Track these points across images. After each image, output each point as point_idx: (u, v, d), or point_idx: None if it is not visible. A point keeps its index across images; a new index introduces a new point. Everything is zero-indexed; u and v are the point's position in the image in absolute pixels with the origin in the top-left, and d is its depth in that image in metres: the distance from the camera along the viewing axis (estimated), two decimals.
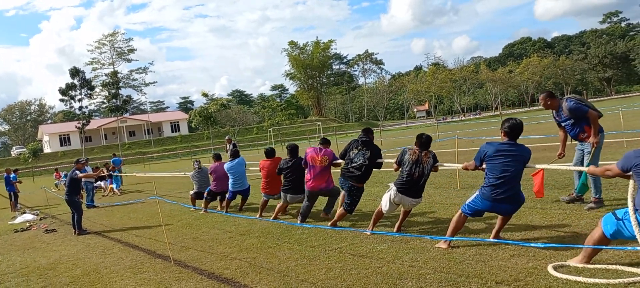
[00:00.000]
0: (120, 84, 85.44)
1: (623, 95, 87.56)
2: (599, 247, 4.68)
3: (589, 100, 7.57)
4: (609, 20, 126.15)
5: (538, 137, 16.41)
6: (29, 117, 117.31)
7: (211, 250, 7.74)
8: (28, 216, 15.44)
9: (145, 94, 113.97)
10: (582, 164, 7.31)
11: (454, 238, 5.99)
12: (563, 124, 7.51)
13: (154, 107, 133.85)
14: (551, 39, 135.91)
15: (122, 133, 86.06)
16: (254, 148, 54.96)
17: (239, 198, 11.45)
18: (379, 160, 7.88)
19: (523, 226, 6.69)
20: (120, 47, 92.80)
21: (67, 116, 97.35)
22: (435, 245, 6.17)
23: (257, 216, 10.01)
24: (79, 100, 67.80)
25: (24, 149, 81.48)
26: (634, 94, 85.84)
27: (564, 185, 9.18)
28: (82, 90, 67.37)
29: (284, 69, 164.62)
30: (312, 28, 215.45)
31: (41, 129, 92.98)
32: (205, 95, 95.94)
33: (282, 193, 9.35)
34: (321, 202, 9.33)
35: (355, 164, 7.77)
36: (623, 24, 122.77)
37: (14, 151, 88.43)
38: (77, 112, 69.30)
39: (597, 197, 7.19)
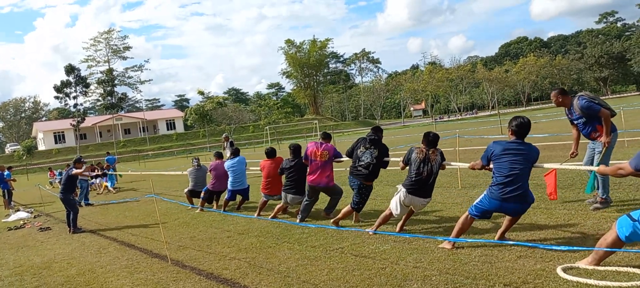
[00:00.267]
0: (116, 82, 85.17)
1: (619, 95, 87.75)
2: (612, 250, 4.55)
3: None
4: (605, 20, 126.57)
5: (539, 136, 16.30)
6: (23, 115, 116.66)
7: (209, 250, 7.59)
8: (22, 214, 15.25)
9: (140, 91, 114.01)
10: (593, 163, 7.18)
11: (458, 240, 5.85)
12: (575, 122, 7.35)
13: (150, 105, 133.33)
14: (547, 39, 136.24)
15: (117, 131, 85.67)
16: (250, 147, 54.76)
17: (237, 199, 11.29)
18: (386, 159, 7.74)
19: (528, 226, 6.56)
20: (115, 45, 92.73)
21: (62, 113, 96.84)
22: (439, 246, 6.04)
23: (255, 215, 9.87)
24: (74, 97, 67.49)
25: (18, 146, 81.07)
26: (631, 94, 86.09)
27: (573, 185, 9.03)
28: (78, 88, 67.06)
29: (280, 67, 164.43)
30: (308, 26, 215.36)
31: (35, 126, 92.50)
32: (201, 93, 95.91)
33: (283, 194, 9.19)
34: (323, 201, 9.17)
35: (362, 163, 7.62)
36: (619, 24, 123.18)
37: (8, 148, 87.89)
38: (72, 109, 68.94)
39: (604, 196, 7.06)
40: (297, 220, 8.73)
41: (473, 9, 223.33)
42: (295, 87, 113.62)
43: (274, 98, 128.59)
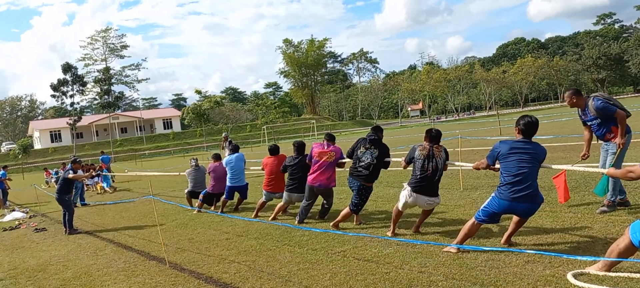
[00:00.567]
0: (113, 80, 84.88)
1: (616, 97, 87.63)
2: (621, 259, 4.41)
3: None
4: (602, 21, 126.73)
5: (539, 138, 16.18)
6: (19, 113, 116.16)
7: (208, 252, 7.44)
8: (17, 214, 15.07)
9: (137, 90, 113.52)
10: (606, 166, 7.06)
11: (464, 247, 5.70)
12: (589, 124, 7.20)
13: (146, 104, 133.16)
14: (545, 40, 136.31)
15: (114, 130, 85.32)
16: (247, 146, 54.53)
17: (236, 198, 11.15)
18: (387, 160, 7.60)
19: (534, 230, 6.43)
20: (112, 44, 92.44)
21: (58, 112, 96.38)
22: (444, 249, 5.91)
23: (253, 216, 9.73)
24: (71, 96, 67.21)
25: (14, 145, 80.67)
26: (628, 96, 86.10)
27: (578, 188, 8.90)
28: (74, 86, 66.76)
29: (278, 66, 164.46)
30: (306, 26, 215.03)
31: (32, 125, 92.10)
32: (198, 92, 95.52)
33: (286, 193, 9.02)
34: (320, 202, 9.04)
35: (363, 163, 7.48)
36: (617, 26, 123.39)
37: (4, 147, 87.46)
38: (69, 108, 68.65)
39: (611, 200, 6.92)
40: (296, 222, 8.60)
41: (470, 10, 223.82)
42: (292, 87, 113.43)
43: (272, 97, 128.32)
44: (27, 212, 15.63)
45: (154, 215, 11.16)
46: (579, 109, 7.22)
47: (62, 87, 65.98)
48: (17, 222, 13.64)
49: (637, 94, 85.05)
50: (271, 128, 67.24)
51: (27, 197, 21.18)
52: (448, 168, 6.93)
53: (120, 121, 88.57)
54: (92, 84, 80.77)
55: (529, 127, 5.65)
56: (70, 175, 11.28)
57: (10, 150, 77.99)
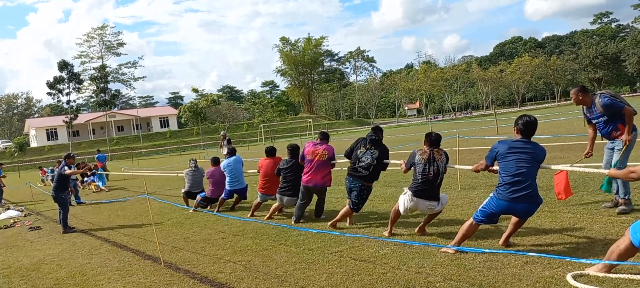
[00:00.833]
0: (109, 78, 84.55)
1: None
2: (621, 262, 4.35)
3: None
4: (599, 21, 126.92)
5: (541, 137, 16.15)
6: (15, 111, 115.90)
7: (203, 252, 7.37)
8: (12, 212, 14.95)
9: (134, 88, 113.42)
10: (611, 165, 6.98)
11: (462, 249, 5.61)
12: (594, 121, 7.09)
13: (143, 102, 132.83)
14: (542, 39, 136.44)
15: (110, 128, 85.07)
16: (244, 145, 54.47)
17: (234, 197, 11.08)
18: (386, 161, 7.52)
19: (533, 230, 6.37)
20: (109, 41, 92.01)
21: (55, 110, 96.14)
22: (441, 250, 5.85)
23: (249, 215, 9.66)
24: (67, 94, 66.92)
25: (10, 143, 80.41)
26: (625, 95, 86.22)
27: (577, 188, 8.84)
28: (70, 84, 66.47)
29: (275, 65, 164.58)
30: (303, 24, 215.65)
31: (28, 123, 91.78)
32: (195, 90, 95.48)
33: (278, 195, 8.98)
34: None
35: (362, 163, 7.39)
36: (613, 25, 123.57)
37: None
38: (65, 106, 68.38)
39: (626, 197, 6.77)
40: (292, 222, 8.54)
41: (467, 8, 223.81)
42: (289, 85, 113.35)
43: (269, 96, 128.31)
44: (22, 211, 15.52)
45: (149, 214, 11.10)
46: (584, 107, 7.14)
47: (58, 85, 65.68)
48: (11, 221, 13.53)
49: (633, 94, 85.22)
50: (268, 127, 67.15)
51: (23, 195, 21.06)
52: (446, 170, 6.85)
53: (116, 119, 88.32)
54: (88, 81, 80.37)
55: (527, 126, 5.58)
56: (67, 171, 11.19)
57: (6, 148, 77.74)
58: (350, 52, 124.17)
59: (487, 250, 5.35)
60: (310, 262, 6.15)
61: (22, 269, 7.74)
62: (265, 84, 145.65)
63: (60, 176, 11.11)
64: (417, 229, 6.94)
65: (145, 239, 8.87)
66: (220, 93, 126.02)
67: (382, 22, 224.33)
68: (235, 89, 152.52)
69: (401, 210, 6.72)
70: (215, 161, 11.34)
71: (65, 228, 10.73)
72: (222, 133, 21.44)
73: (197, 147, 66.13)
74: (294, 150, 8.89)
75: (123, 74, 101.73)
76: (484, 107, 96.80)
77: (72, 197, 15.64)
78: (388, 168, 7.92)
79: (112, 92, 78.24)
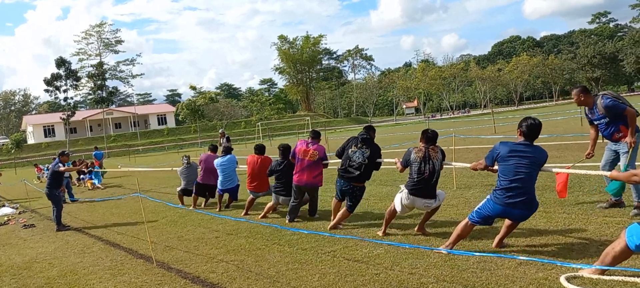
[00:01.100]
0: (107, 75, 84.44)
1: None
2: (614, 268, 4.30)
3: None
4: (597, 20, 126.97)
5: (540, 136, 16.10)
6: (13, 108, 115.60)
7: (196, 251, 7.31)
8: (7, 210, 14.87)
9: (132, 86, 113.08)
10: (612, 165, 6.89)
11: (455, 252, 5.54)
12: (596, 122, 6.99)
13: (141, 100, 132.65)
14: (540, 38, 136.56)
15: (108, 125, 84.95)
16: (242, 143, 54.37)
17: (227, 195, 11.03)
18: (378, 160, 7.44)
19: (527, 232, 6.31)
20: (107, 38, 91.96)
21: (52, 107, 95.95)
22: (435, 250, 5.81)
23: (243, 214, 9.61)
24: (64, 91, 66.80)
25: (7, 140, 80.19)
26: (623, 95, 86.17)
27: (572, 188, 8.79)
28: (68, 81, 66.34)
29: (273, 63, 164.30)
30: (301, 23, 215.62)
31: (25, 120, 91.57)
32: (193, 88, 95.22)
33: (273, 195, 8.94)
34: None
35: (354, 163, 7.28)
36: (611, 25, 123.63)
37: None
38: (62, 103, 68.21)
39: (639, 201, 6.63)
40: (286, 221, 8.49)
41: (466, 8, 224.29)
42: (287, 83, 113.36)
43: (266, 94, 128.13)
44: (16, 208, 15.44)
45: (144, 213, 11.04)
46: (586, 108, 7.04)
47: (55, 82, 65.56)
48: (6, 218, 13.45)
49: (631, 93, 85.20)
50: (266, 125, 67.06)
51: (18, 192, 20.98)
52: (443, 167, 6.77)
53: (114, 116, 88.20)
54: (86, 79, 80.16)
55: (531, 129, 5.42)
56: (61, 169, 11.11)
57: (3, 144, 77.50)
58: (349, 51, 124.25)
59: (479, 254, 5.30)
60: (303, 262, 6.10)
61: (14, 268, 7.67)
62: (263, 81, 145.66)
63: (54, 173, 11.03)
64: (416, 228, 6.85)
65: (139, 238, 8.81)
66: (218, 91, 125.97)
67: (380, 20, 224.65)
68: (234, 86, 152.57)
69: (397, 208, 6.66)
70: (214, 148, 11.26)
71: (59, 226, 10.67)
72: (220, 131, 21.40)
73: (194, 144, 65.96)
74: (285, 150, 8.83)
75: (121, 72, 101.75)
76: (482, 106, 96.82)
77: (66, 195, 15.57)
78: (384, 166, 7.85)
79: (110, 89, 78.10)
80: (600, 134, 7.12)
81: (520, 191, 5.25)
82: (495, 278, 4.79)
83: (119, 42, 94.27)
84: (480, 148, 16.91)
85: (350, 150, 7.38)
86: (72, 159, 24.13)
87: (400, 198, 6.55)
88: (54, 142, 75.94)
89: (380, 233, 7.00)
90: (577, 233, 6.05)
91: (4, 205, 16.04)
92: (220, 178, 10.48)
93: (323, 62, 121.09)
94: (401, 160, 6.73)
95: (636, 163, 6.70)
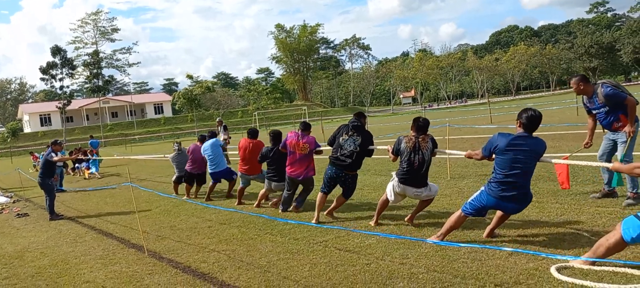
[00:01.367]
0: (103, 64, 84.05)
1: None
2: (607, 260, 4.28)
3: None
4: (595, 10, 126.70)
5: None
6: (9, 96, 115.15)
7: (188, 241, 7.29)
8: (1, 199, 14.82)
9: (128, 74, 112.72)
10: (610, 155, 6.84)
11: (446, 244, 5.49)
12: (595, 112, 6.92)
13: (138, 88, 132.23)
14: (538, 28, 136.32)
15: (104, 114, 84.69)
16: (239, 132, 54.27)
17: (225, 185, 10.99)
18: (371, 147, 7.38)
19: (519, 223, 6.28)
20: (103, 27, 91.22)
21: (49, 96, 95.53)
22: (427, 239, 5.79)
23: (236, 204, 9.58)
24: (60, 79, 66.44)
25: (3, 128, 79.94)
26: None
27: (570, 176, 8.78)
28: (64, 70, 65.98)
29: (270, 52, 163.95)
30: (298, 11, 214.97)
31: (21, 108, 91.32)
32: (190, 77, 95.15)
33: (266, 181, 8.93)
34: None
35: (345, 151, 7.20)
36: (609, 14, 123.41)
37: None
38: (58, 91, 67.91)
39: (635, 191, 6.58)
40: (279, 211, 8.47)
41: None
42: (284, 73, 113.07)
43: (263, 83, 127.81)
44: (11, 197, 15.40)
45: (137, 202, 11.01)
46: (585, 97, 6.96)
47: (51, 70, 65.20)
48: (0, 207, 13.41)
49: (628, 83, 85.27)
50: (263, 114, 66.96)
51: (12, 181, 20.92)
52: (436, 155, 6.71)
53: (110, 105, 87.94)
54: (82, 67, 79.75)
55: (531, 121, 5.29)
56: (55, 158, 11.06)
57: None
58: (346, 40, 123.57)
59: (470, 245, 5.28)
60: (294, 252, 6.08)
61: (5, 257, 7.65)
62: (260, 71, 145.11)
63: (46, 162, 10.98)
64: (407, 218, 6.81)
65: (131, 227, 8.78)
66: (215, 80, 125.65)
67: (378, 10, 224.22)
68: (231, 75, 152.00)
69: (390, 198, 6.63)
70: (202, 139, 11.19)
71: (52, 215, 10.64)
72: (217, 119, 21.35)
73: (191, 133, 65.85)
74: (276, 136, 8.78)
75: (117, 60, 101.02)
76: (479, 96, 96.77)
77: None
78: (377, 156, 7.80)
79: (105, 78, 77.77)
80: (599, 124, 7.05)
81: (515, 185, 5.19)
82: (486, 268, 4.77)
83: (115, 30, 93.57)
84: (475, 138, 16.90)
85: (341, 138, 7.31)
86: (69, 149, 24.09)
87: (392, 186, 6.51)
88: (51, 131, 75.74)
89: (372, 223, 6.98)
90: (569, 224, 6.03)
91: None
92: (209, 163, 10.48)
93: (320, 51, 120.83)
94: (392, 148, 6.67)
95: (633, 154, 6.68)
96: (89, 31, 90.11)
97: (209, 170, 10.56)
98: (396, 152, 6.55)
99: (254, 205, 9.12)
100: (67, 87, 69.06)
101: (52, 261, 7.07)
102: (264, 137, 9.38)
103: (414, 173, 6.29)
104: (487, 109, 31.40)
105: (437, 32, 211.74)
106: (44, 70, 65.25)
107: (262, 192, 9.13)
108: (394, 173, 6.59)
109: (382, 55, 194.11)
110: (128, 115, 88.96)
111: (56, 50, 65.25)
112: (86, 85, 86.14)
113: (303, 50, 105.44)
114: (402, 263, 5.19)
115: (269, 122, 62.23)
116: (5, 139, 69.36)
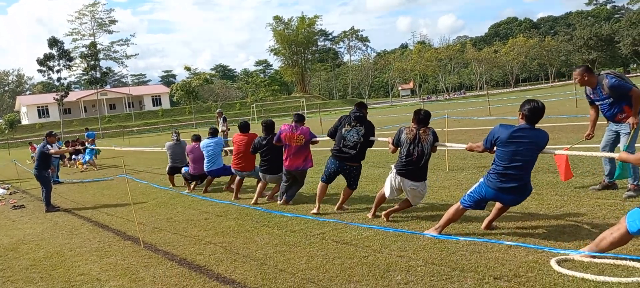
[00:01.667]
0: (100, 56, 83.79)
1: None
2: (607, 255, 4.21)
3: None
4: (594, 2, 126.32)
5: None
6: (6, 88, 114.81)
7: (185, 233, 7.22)
8: None
9: (126, 66, 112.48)
10: (613, 146, 6.77)
11: (444, 237, 5.40)
12: (598, 103, 6.83)
13: (136, 80, 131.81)
14: (537, 20, 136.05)
15: (102, 106, 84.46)
16: (236, 124, 54.24)
17: (224, 178, 10.91)
18: (372, 138, 7.27)
19: (519, 215, 6.22)
20: (101, 18, 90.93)
21: (46, 88, 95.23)
22: (425, 232, 5.74)
23: (233, 198, 9.48)
24: (58, 71, 66.14)
25: (1, 120, 79.71)
26: None
27: (576, 169, 8.73)
28: (61, 61, 65.68)
29: (268, 44, 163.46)
30: (296, 3, 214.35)
31: (19, 100, 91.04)
32: (188, 69, 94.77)
33: (260, 174, 8.81)
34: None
35: (348, 143, 7.09)
36: (608, 6, 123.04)
37: None
38: (56, 83, 67.65)
39: (636, 183, 6.52)
40: (279, 202, 8.39)
41: None
42: (283, 65, 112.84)
43: (262, 75, 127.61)
44: (7, 189, 15.32)
45: (134, 194, 10.95)
46: (588, 88, 6.86)
47: (48, 62, 64.88)
48: None
49: (627, 75, 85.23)
50: (261, 106, 66.84)
51: (9, 173, 20.83)
52: (436, 149, 6.62)
53: (108, 97, 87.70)
54: (80, 59, 79.43)
55: (534, 113, 5.17)
56: (51, 151, 10.97)
57: None
58: (345, 32, 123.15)
59: (468, 238, 5.22)
60: (291, 244, 6.02)
61: (0, 249, 7.57)
62: (258, 63, 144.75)
63: (42, 154, 10.89)
64: (383, 214, 6.70)
65: (128, 219, 8.71)
66: (213, 72, 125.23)
67: (377, 1, 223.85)
68: (229, 67, 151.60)
69: (387, 193, 6.54)
70: (197, 138, 11.03)
71: (48, 207, 10.57)
72: (218, 111, 21.29)
73: (189, 126, 65.70)
74: (268, 126, 8.63)
75: (115, 52, 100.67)
76: (478, 88, 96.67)
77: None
78: (376, 148, 7.71)
79: (103, 69, 77.52)
80: (602, 115, 6.95)
81: (515, 177, 5.11)
82: (485, 261, 4.71)
83: (113, 22, 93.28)
84: (474, 130, 16.83)
85: (343, 130, 7.18)
86: (67, 140, 24.00)
87: (390, 179, 6.43)
88: (48, 123, 75.52)
89: (369, 215, 6.91)
90: (569, 216, 5.97)
91: None
92: (206, 160, 10.33)
93: (318, 43, 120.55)
94: (393, 138, 6.57)
95: (636, 145, 6.61)
96: (86, 22, 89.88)
97: (205, 167, 10.40)
98: (396, 143, 6.44)
99: (252, 202, 8.92)
100: (65, 78, 68.73)
101: (47, 253, 7.00)
102: (259, 130, 9.29)
103: (413, 165, 6.18)
104: (486, 101, 31.32)
105: (436, 24, 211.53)
106: (41, 62, 64.90)
107: (259, 188, 8.97)
108: (392, 166, 6.51)
109: (381, 47, 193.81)
110: (126, 107, 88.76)
111: (53, 42, 64.91)
112: (84, 77, 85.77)
113: (301, 42, 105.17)
114: (399, 256, 5.13)
115: (267, 114, 62.05)
116: (3, 131, 69.12)
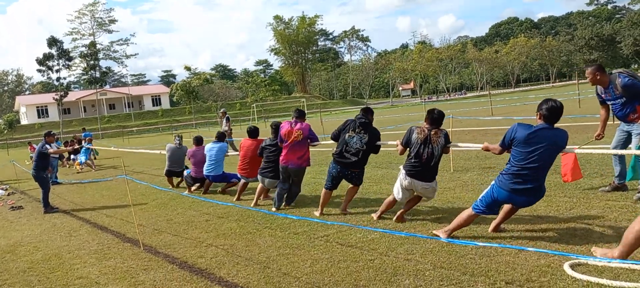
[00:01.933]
0: (100, 56, 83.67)
1: None
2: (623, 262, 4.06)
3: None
4: (595, 2, 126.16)
5: (532, 118, 15.87)
6: (6, 88, 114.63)
7: (185, 235, 7.08)
8: None
9: (126, 66, 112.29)
10: (624, 147, 6.62)
11: (451, 241, 5.27)
12: (610, 103, 6.67)
13: (135, 80, 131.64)
14: (538, 20, 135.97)
15: (102, 106, 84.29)
16: (237, 124, 54.04)
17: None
18: (378, 144, 7.10)
19: (527, 217, 6.07)
20: (100, 18, 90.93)
21: (46, 87, 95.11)
22: (432, 232, 5.61)
23: (234, 199, 9.32)
24: (57, 71, 65.95)
25: (0, 120, 79.56)
26: None
27: (584, 170, 8.59)
28: (60, 61, 65.49)
29: (268, 44, 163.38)
30: (296, 3, 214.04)
31: (18, 100, 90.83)
32: (188, 69, 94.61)
33: (259, 176, 8.54)
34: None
35: (351, 149, 6.93)
36: (609, 6, 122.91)
37: None
38: (55, 83, 67.48)
39: None
40: (273, 209, 8.08)
41: None
42: (283, 65, 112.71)
43: (262, 75, 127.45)
44: (5, 189, 15.17)
45: (134, 195, 10.81)
46: (599, 87, 6.70)
47: (47, 62, 64.68)
48: None
49: None
50: (261, 106, 66.71)
51: (8, 173, 20.65)
52: (449, 151, 6.43)
53: (108, 97, 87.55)
54: (79, 59, 79.29)
55: (553, 112, 5.01)
56: (51, 150, 10.82)
57: None
58: (345, 32, 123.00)
59: (477, 243, 5.08)
60: (295, 246, 5.87)
61: None
62: (258, 63, 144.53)
63: (41, 154, 10.73)
64: (394, 218, 6.55)
65: (127, 221, 8.57)
66: (213, 72, 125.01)
67: (377, 1, 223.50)
68: (229, 67, 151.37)
69: (397, 197, 6.37)
70: (198, 141, 10.86)
71: (47, 207, 10.43)
72: (222, 110, 21.21)
73: (189, 126, 65.57)
74: (277, 128, 8.48)
75: (115, 52, 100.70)
76: (479, 88, 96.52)
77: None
78: (384, 149, 7.52)
79: (102, 69, 77.40)
80: (613, 115, 6.80)
81: (529, 178, 4.94)
82: (495, 265, 4.57)
83: (113, 21, 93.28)
84: (477, 130, 16.70)
85: (347, 135, 7.02)
86: (65, 140, 23.86)
87: (399, 180, 6.27)
88: (48, 123, 75.35)
89: (375, 217, 6.76)
90: (579, 219, 5.82)
91: None
92: (206, 163, 10.10)
93: (319, 43, 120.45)
94: (402, 140, 6.39)
95: None
96: (86, 22, 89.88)
97: (204, 170, 10.18)
98: (406, 143, 6.27)
99: (252, 204, 8.75)
100: (64, 78, 68.45)
101: (45, 255, 6.86)
102: (263, 131, 9.13)
103: (423, 166, 6.02)
104: (488, 100, 31.19)
105: (437, 24, 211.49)
106: (40, 62, 64.67)
107: (259, 188, 8.77)
108: (401, 167, 6.35)
109: (381, 47, 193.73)
110: (125, 107, 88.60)
111: (53, 42, 64.68)
112: (83, 77, 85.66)
113: (302, 42, 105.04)
114: (407, 259, 4.99)
115: (267, 114, 61.97)
116: (2, 131, 68.98)
